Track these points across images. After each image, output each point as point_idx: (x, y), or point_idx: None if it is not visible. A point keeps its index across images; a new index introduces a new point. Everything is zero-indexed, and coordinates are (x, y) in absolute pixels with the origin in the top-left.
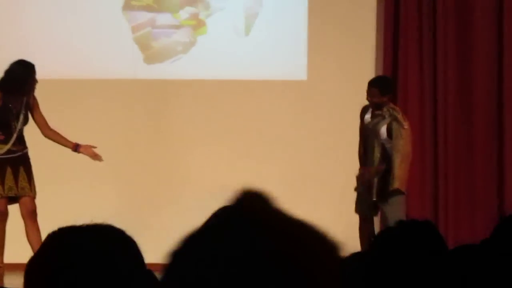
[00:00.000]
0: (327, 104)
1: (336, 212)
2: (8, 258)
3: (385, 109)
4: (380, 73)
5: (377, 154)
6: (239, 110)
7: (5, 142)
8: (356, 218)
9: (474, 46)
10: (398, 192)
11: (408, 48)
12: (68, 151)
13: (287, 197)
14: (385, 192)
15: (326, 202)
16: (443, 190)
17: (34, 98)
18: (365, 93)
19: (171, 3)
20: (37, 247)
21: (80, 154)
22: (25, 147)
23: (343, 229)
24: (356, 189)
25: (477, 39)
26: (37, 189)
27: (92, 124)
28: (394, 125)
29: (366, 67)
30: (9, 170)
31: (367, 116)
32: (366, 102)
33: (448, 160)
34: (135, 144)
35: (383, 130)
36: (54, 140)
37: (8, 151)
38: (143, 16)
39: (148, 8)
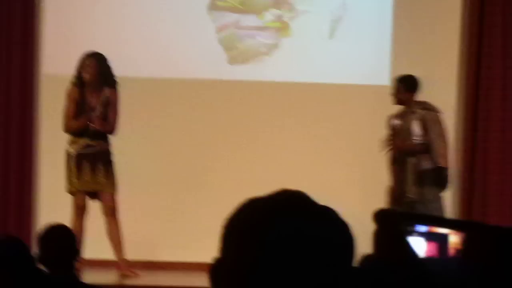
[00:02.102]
0: None
1: None
2: (88, 254)
3: (413, 104)
4: (464, 78)
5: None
6: (321, 113)
7: (80, 135)
8: None
9: None
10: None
11: (492, 54)
12: (154, 152)
13: (366, 202)
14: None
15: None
16: None
17: (114, 94)
18: (446, 100)
19: (256, 5)
20: (116, 243)
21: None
22: (106, 143)
23: None
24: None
25: None
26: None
27: (175, 123)
28: (428, 115)
29: (450, 72)
30: (86, 165)
31: (396, 121)
32: (447, 110)
33: None
34: (218, 144)
35: (415, 126)
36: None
37: (86, 146)
38: (228, 17)
39: (233, 9)
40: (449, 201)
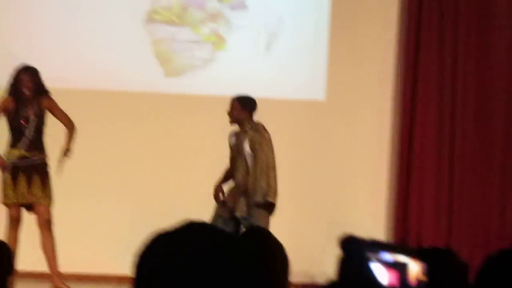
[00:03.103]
0: (344, 125)
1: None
2: (21, 266)
3: (246, 123)
4: (400, 95)
5: (241, 171)
6: None
7: (16, 147)
8: None
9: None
10: (263, 205)
11: (429, 68)
12: (89, 162)
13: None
14: (251, 206)
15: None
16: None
17: (50, 101)
18: (380, 117)
19: (192, 19)
20: (50, 256)
21: (104, 166)
22: (43, 155)
23: None
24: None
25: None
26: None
27: (109, 135)
28: (255, 137)
29: (385, 87)
30: (22, 177)
31: (233, 140)
32: (383, 125)
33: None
34: (151, 155)
35: (247, 146)
36: (68, 135)
37: (21, 157)
38: (165, 30)
39: (170, 23)
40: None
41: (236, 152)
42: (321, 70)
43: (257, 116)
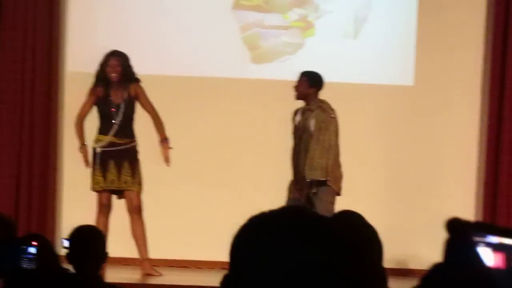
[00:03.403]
0: (433, 110)
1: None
2: (111, 252)
3: (312, 103)
4: (488, 77)
5: (311, 151)
6: (344, 113)
7: (106, 134)
8: None
9: None
10: (323, 183)
11: None
12: (178, 149)
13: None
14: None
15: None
16: None
17: (138, 88)
18: (469, 102)
19: (280, 4)
20: (140, 242)
21: (194, 152)
22: (132, 141)
23: None
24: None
25: None
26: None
27: (200, 121)
28: (321, 115)
29: (474, 72)
30: (112, 163)
31: (298, 117)
32: (472, 110)
33: None
34: (240, 142)
35: (313, 124)
36: (155, 126)
37: (111, 144)
38: (252, 16)
39: (257, 8)
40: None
41: (302, 130)
42: (410, 54)
43: (347, 102)
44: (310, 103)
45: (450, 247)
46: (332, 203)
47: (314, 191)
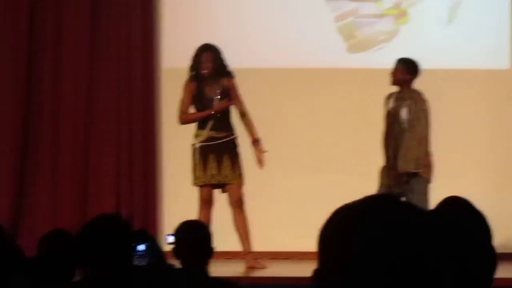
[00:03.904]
0: None
1: None
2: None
3: (406, 91)
4: None
5: (405, 143)
6: (440, 99)
7: (204, 128)
8: None
9: None
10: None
11: None
12: (277, 141)
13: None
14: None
15: None
16: None
17: (232, 82)
18: None
19: None
20: (243, 235)
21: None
22: (231, 134)
23: None
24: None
25: None
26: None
27: (296, 111)
28: (413, 107)
29: None
30: (212, 157)
31: (391, 103)
32: None
33: None
34: (340, 131)
35: (404, 112)
36: (245, 125)
37: (210, 138)
38: (347, 6)
39: None
40: None
41: (393, 117)
42: (505, 38)
43: (444, 88)
44: (404, 90)
45: None
46: (426, 193)
47: (405, 179)
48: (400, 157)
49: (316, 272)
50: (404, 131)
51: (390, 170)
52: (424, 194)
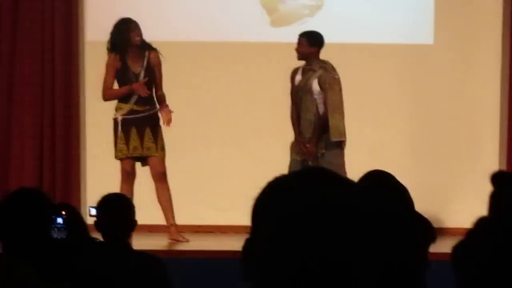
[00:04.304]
0: (455, 68)
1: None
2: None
3: (315, 62)
4: (508, 39)
5: (311, 110)
6: (363, 74)
7: (125, 101)
8: None
9: None
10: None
11: None
12: (198, 114)
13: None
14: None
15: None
16: None
17: (158, 57)
18: (492, 59)
19: None
20: (166, 208)
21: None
22: (153, 107)
23: None
24: (292, 157)
25: None
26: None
27: (217, 85)
28: (324, 76)
29: (494, 30)
30: (133, 131)
31: (298, 77)
32: (494, 68)
33: None
34: (261, 107)
35: (315, 84)
36: (156, 97)
37: (132, 111)
38: None
39: None
40: None
41: (302, 90)
42: (429, 13)
43: (369, 63)
44: (311, 63)
45: (496, 200)
46: (343, 165)
47: (323, 151)
48: (320, 127)
49: (247, 241)
50: (317, 103)
51: (300, 144)
52: (342, 165)
